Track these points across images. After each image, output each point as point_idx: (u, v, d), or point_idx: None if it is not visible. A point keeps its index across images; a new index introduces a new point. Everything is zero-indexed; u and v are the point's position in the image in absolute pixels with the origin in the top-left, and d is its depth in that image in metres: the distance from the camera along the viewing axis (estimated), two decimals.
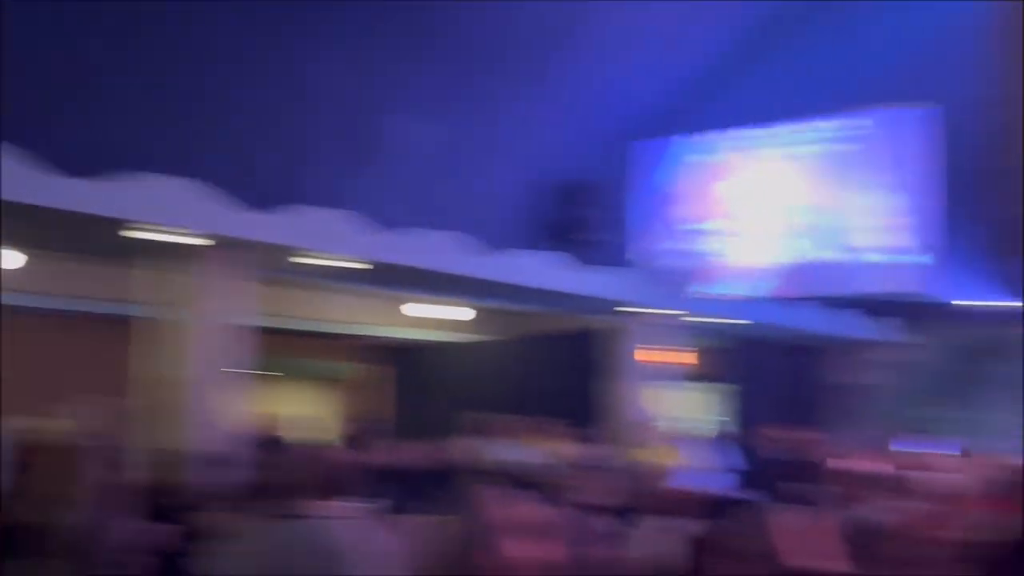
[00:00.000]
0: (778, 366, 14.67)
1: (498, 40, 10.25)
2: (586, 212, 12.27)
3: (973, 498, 6.03)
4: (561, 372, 13.25)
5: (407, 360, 15.02)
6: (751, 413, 13.09)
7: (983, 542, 4.11)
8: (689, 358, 14.11)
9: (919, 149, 10.57)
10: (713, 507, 4.37)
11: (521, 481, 6.82)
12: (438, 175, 10.52)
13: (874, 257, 10.93)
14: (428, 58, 9.86)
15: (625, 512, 5.38)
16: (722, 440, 11.37)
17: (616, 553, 4.42)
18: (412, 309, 13.38)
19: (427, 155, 10.34)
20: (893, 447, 9.52)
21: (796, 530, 2.98)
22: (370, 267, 9.70)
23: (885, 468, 7.09)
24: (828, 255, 11.26)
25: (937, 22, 11.19)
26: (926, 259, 10.64)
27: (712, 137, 12.15)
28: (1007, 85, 9.65)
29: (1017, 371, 14.15)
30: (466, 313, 13.65)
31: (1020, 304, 13.96)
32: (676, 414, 12.90)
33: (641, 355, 13.28)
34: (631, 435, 11.55)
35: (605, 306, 12.44)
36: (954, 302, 13.75)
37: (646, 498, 5.42)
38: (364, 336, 14.08)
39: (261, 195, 8.62)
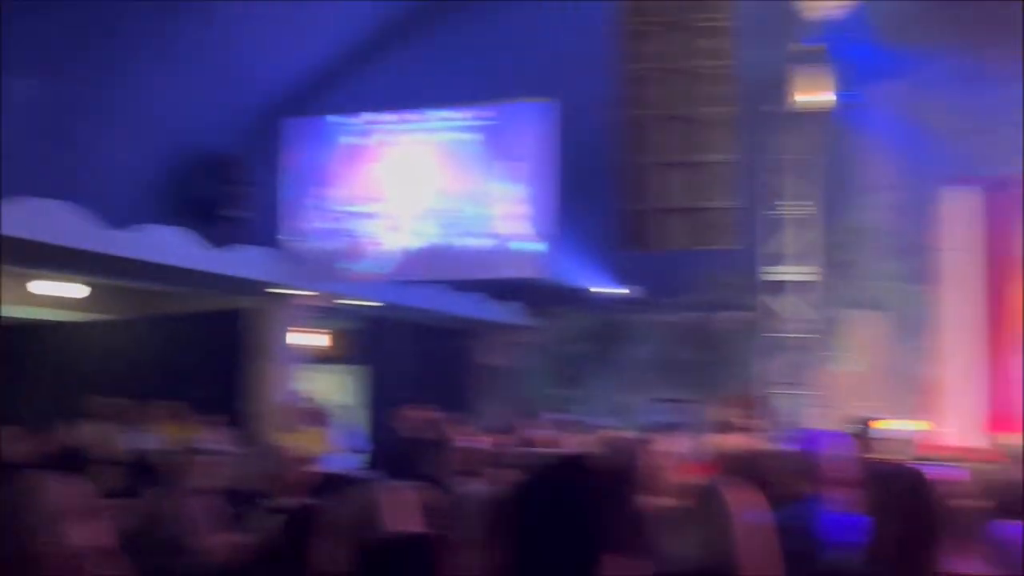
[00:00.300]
0: (415, 348, 15.03)
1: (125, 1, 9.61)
2: (228, 188, 11.87)
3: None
4: (203, 354, 12.78)
5: (13, 340, 13.76)
6: (388, 394, 13.30)
7: None
8: (331, 340, 14.10)
9: (538, 141, 11.26)
10: (328, 486, 4.41)
11: (140, 467, 6.48)
12: (50, 141, 9.71)
13: (497, 243, 11.50)
14: (46, 12, 9.06)
15: (253, 495, 5.30)
16: (357, 421, 11.45)
17: (221, 536, 4.33)
18: (30, 286, 12.32)
19: (38, 119, 9.51)
20: (519, 424, 9.99)
21: (393, 503, 3.06)
22: None
23: (506, 444, 7.44)
24: (457, 240, 11.70)
25: (574, 21, 11.87)
26: (542, 246, 11.37)
27: (364, 118, 12.16)
28: (622, 84, 10.42)
29: (633, 353, 15.41)
30: (82, 290, 12.75)
31: (636, 292, 15.24)
32: (319, 396, 12.88)
33: (287, 336, 13.09)
34: (276, 418, 11.37)
35: (249, 286, 12.11)
36: (580, 288, 14.75)
37: (278, 481, 5.38)
38: None
39: None
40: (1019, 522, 3.98)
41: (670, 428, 8.73)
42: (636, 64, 10.28)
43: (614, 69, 10.39)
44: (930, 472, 3.30)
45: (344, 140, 12.23)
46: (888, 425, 10.39)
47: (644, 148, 10.31)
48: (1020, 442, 7.49)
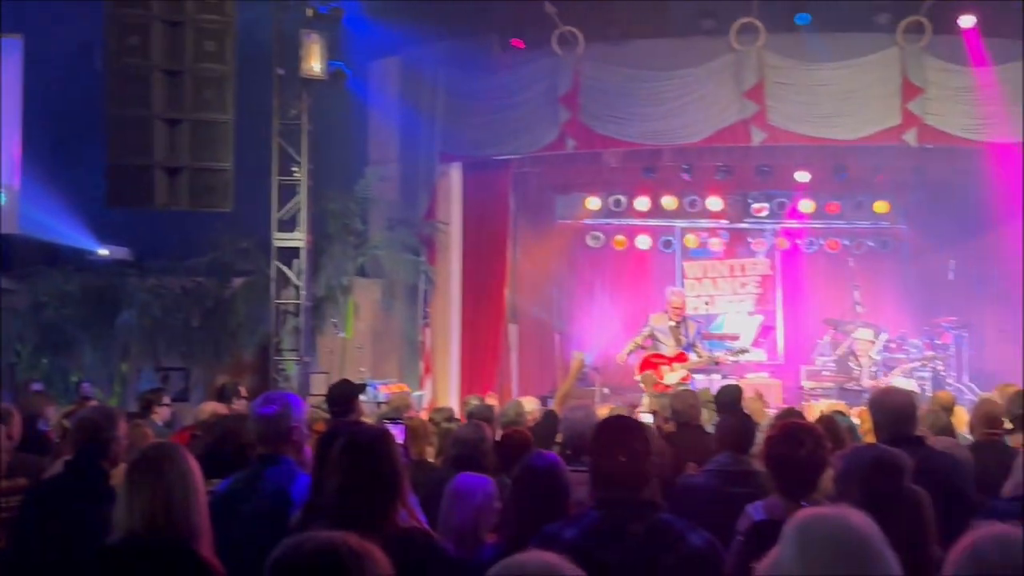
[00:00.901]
0: None
1: None
2: None
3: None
4: None
5: None
6: None
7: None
8: None
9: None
10: None
11: None
12: None
13: None
14: None
15: None
16: None
17: None
18: None
19: None
20: None
21: None
22: None
23: None
24: None
25: None
26: (2, 198, 10.43)
27: None
28: (115, 32, 9.73)
29: (131, 318, 14.54)
30: None
31: (133, 253, 14.45)
32: None
33: None
34: None
35: None
36: (64, 247, 13.62)
37: None
38: None
39: None
40: (476, 474, 4.34)
41: (165, 396, 8.42)
42: (130, 11, 9.63)
43: (107, 15, 9.66)
44: (384, 430, 3.44)
45: None
46: (387, 389, 10.88)
47: (138, 101, 9.70)
48: (488, 403, 8.17)
